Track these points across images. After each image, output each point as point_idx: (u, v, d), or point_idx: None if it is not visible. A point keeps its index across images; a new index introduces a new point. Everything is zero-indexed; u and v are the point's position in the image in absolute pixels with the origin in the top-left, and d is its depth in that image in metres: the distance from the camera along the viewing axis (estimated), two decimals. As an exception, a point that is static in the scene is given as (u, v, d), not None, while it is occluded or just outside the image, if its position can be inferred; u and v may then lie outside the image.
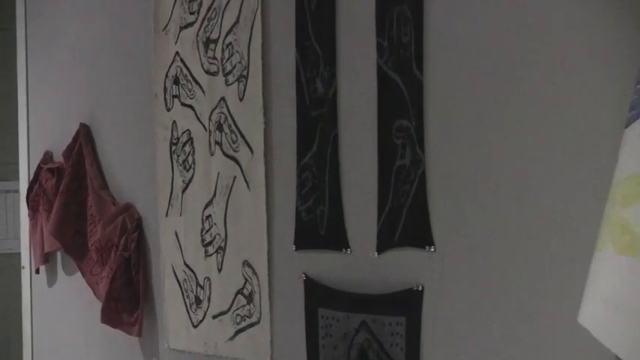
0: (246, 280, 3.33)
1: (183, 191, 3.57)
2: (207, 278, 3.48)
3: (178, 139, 3.58)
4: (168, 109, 3.62)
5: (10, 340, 4.57)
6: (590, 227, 2.27)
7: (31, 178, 4.20)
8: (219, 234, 3.43)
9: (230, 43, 3.37)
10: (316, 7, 3.08)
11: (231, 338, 3.39)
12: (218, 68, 3.43)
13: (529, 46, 2.53)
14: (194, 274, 3.52)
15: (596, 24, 2.38)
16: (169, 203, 3.63)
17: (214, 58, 3.43)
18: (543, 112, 2.49)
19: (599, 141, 2.32)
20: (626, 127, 2.13)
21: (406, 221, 2.83)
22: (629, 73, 2.19)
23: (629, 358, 2.18)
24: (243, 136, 3.34)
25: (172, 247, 3.61)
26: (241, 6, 3.33)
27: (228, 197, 3.39)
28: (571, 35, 2.43)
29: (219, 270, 3.43)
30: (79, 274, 3.96)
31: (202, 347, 3.50)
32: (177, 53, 3.58)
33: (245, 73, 3.32)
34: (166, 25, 3.62)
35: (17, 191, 4.32)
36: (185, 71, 3.55)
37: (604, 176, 2.20)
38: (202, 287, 3.49)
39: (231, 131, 3.38)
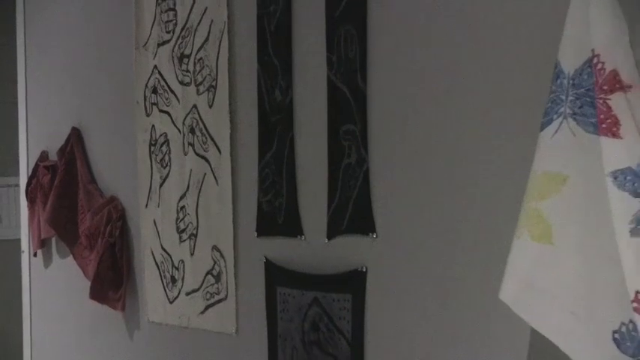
0: (214, 262, 3.28)
1: (161, 186, 3.52)
2: (182, 261, 3.43)
3: (156, 140, 3.53)
4: (148, 115, 3.57)
5: (12, 314, 4.46)
6: (510, 218, 2.23)
7: (30, 174, 4.16)
8: (191, 222, 3.38)
9: (201, 58, 3.32)
10: (275, 27, 3.03)
11: (202, 312, 3.34)
12: (191, 80, 3.37)
13: (457, 59, 2.48)
14: (170, 257, 3.47)
15: (521, 39, 2.33)
16: (148, 196, 3.59)
17: (187, 70, 3.38)
18: (470, 118, 2.48)
19: (519, 143, 2.28)
20: (541, 130, 2.16)
21: (352, 212, 2.78)
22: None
23: (540, 328, 2.20)
24: (212, 138, 3.29)
25: (151, 234, 3.56)
26: (210, 26, 3.28)
27: (200, 191, 3.35)
28: (497, 47, 2.38)
29: (192, 254, 3.38)
30: (71, 257, 3.92)
31: (177, 320, 3.45)
32: (155, 67, 3.53)
33: (214, 83, 3.27)
34: (146, 42, 3.57)
35: (17, 185, 4.28)
36: (162, 82, 3.49)
37: (522, 174, 2.17)
38: (177, 268, 3.44)
39: (202, 134, 3.32)
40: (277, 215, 3.03)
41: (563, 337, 2.21)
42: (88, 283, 3.71)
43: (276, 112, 3.02)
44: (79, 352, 3.91)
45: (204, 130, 3.31)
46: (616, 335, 2.11)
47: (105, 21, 3.76)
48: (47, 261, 4.08)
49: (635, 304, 2.04)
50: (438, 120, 2.54)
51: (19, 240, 4.37)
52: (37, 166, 4.09)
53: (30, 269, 4.22)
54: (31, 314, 4.26)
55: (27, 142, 4.23)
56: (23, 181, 4.22)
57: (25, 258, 4.26)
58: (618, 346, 2.11)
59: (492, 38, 2.40)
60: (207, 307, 3.30)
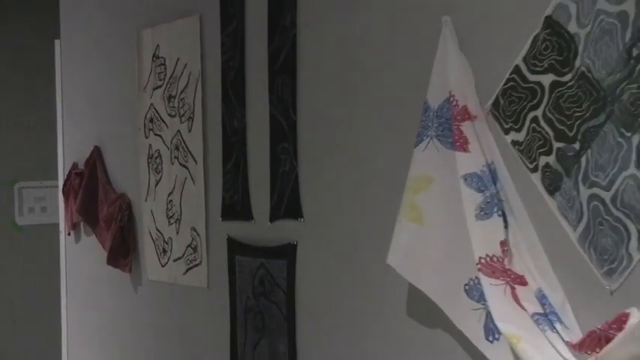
0: (192, 238, 3.26)
1: (155, 186, 3.48)
2: (170, 238, 3.39)
3: (152, 155, 3.49)
4: (146, 137, 3.53)
5: (52, 277, 4.40)
6: (397, 206, 2.24)
7: (65, 178, 4.10)
8: (176, 211, 3.35)
9: (182, 98, 3.29)
10: (233, 77, 3.02)
11: (184, 273, 3.31)
12: (176, 113, 3.34)
13: (359, 99, 2.48)
14: (162, 235, 3.44)
15: (404, 87, 2.35)
16: (147, 193, 3.54)
17: (173, 107, 3.35)
18: (369, 142, 2.48)
19: (403, 155, 2.26)
20: (415, 147, 2.24)
21: (286, 203, 2.78)
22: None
23: (416, 283, 2.24)
24: (190, 153, 3.27)
25: (149, 220, 3.53)
26: (189, 76, 3.25)
27: (182, 189, 3.32)
28: (388, 93, 2.40)
29: (177, 233, 3.35)
30: (93, 235, 3.86)
31: (167, 278, 3.43)
32: (151, 104, 3.49)
33: (192, 115, 3.24)
34: (145, 86, 3.53)
35: (57, 186, 4.21)
36: (156, 115, 3.46)
37: (405, 176, 2.21)
38: (167, 243, 3.41)
39: (184, 150, 3.30)
40: (235, 205, 3.01)
41: (431, 289, 2.22)
42: (105, 254, 3.67)
43: (234, 135, 3.01)
44: (100, 301, 3.88)
45: (185, 148, 3.28)
46: (466, 287, 2.14)
47: (118, 71, 3.71)
48: (77, 238, 4.03)
49: (478, 266, 2.06)
50: (347, 140, 2.54)
51: (58, 224, 4.31)
52: (70, 172, 4.04)
53: (65, 244, 4.16)
54: (66, 277, 4.21)
55: (63, 157, 4.17)
56: (60, 183, 4.16)
57: (62, 236, 4.22)
58: (467, 295, 2.14)
59: (385, 87, 2.42)
60: (187, 270, 3.28)
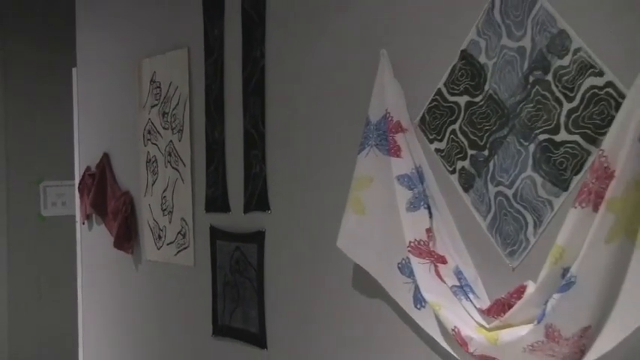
0: (182, 227, 3.20)
1: (152, 185, 3.41)
2: (164, 226, 3.32)
3: (150, 159, 3.43)
4: (145, 145, 3.46)
5: (68, 259, 4.35)
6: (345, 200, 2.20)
7: (80, 178, 4.03)
8: (169, 205, 3.29)
9: (174, 114, 3.23)
10: (214, 97, 2.97)
11: (176, 254, 3.25)
12: (169, 126, 3.28)
13: (319, 116, 2.47)
14: (158, 224, 3.37)
15: (352, 105, 2.33)
16: (146, 190, 3.47)
17: (167, 121, 3.29)
18: (323, 152, 2.46)
19: (350, 161, 2.25)
20: (358, 154, 2.25)
21: (257, 199, 2.74)
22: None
23: (360, 262, 2.22)
24: (180, 158, 3.20)
25: (147, 212, 3.45)
26: (179, 97, 3.20)
27: (174, 187, 3.25)
28: (339, 108, 2.38)
29: (170, 222, 3.28)
30: (103, 224, 3.80)
31: (162, 258, 3.36)
32: (149, 119, 3.43)
33: (181, 128, 3.19)
34: (144, 105, 3.46)
35: (74, 185, 4.15)
36: (153, 127, 3.40)
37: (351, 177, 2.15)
38: (162, 230, 3.34)
39: (175, 156, 3.24)
40: (216, 200, 2.96)
41: (371, 267, 2.20)
42: (112, 239, 3.61)
43: (215, 144, 2.96)
44: (108, 277, 3.81)
45: (176, 154, 3.22)
46: (399, 265, 2.14)
47: (123, 93, 3.67)
48: (90, 227, 3.96)
49: (408, 248, 2.05)
50: (305, 148, 2.52)
51: (74, 215, 4.26)
52: (84, 174, 3.97)
53: (80, 231, 4.10)
54: (81, 258, 4.14)
55: (79, 161, 4.12)
56: (77, 182, 4.10)
57: (78, 225, 4.16)
58: (400, 271, 2.15)
59: (334, 106, 2.40)
60: (178, 251, 3.22)
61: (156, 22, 3.38)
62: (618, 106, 1.64)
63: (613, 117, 1.64)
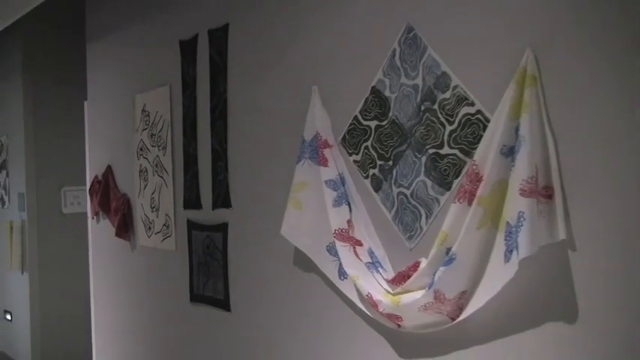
0: (166, 220, 3.07)
1: (144, 189, 3.27)
2: (153, 220, 3.19)
3: (142, 170, 3.28)
4: (138, 159, 3.32)
5: (81, 246, 4.24)
6: (286, 199, 2.13)
7: (90, 184, 3.85)
8: (157, 204, 3.15)
9: (160, 135, 3.11)
10: (190, 122, 2.86)
11: (162, 241, 3.11)
12: (155, 144, 3.15)
13: (265, 135, 2.41)
14: (148, 218, 3.23)
15: (288, 129, 2.28)
16: (139, 193, 3.33)
17: (154, 141, 3.16)
18: (270, 162, 2.38)
19: (290, 169, 2.18)
20: (296, 164, 2.14)
21: (222, 199, 2.65)
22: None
23: (298, 245, 2.15)
24: (164, 169, 3.08)
25: (140, 209, 3.31)
26: (163, 122, 3.07)
27: (160, 191, 3.12)
28: (279, 129, 2.33)
29: (157, 217, 3.15)
30: (107, 219, 3.64)
31: (151, 245, 3.22)
32: (141, 139, 3.29)
33: (165, 146, 3.06)
34: (137, 129, 3.32)
35: (84, 190, 4.00)
36: (144, 146, 3.26)
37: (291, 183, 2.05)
38: (151, 223, 3.20)
39: (160, 167, 3.11)
40: (192, 200, 2.85)
41: (307, 249, 2.16)
42: (114, 230, 3.47)
43: (190, 158, 2.85)
44: (112, 259, 3.64)
45: (161, 165, 3.09)
46: (327, 247, 2.09)
47: (122, 120, 3.53)
48: (97, 221, 3.79)
49: (334, 235, 2.01)
50: (256, 160, 2.44)
51: (86, 212, 4.10)
52: (93, 181, 3.80)
53: (91, 224, 3.94)
54: (92, 244, 3.98)
55: (89, 171, 3.96)
56: (87, 186, 3.93)
57: (89, 220, 3.99)
58: (328, 252, 2.11)
59: (278, 129, 2.34)
60: (163, 239, 3.09)
61: (146, 66, 3.27)
62: (485, 127, 1.64)
63: (481, 136, 1.64)
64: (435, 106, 1.77)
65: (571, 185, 1.48)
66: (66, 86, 4.92)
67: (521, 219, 1.46)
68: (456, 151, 1.72)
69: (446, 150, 1.74)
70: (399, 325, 1.81)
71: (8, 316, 5.37)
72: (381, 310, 1.83)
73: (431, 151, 1.78)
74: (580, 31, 1.46)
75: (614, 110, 1.41)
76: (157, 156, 3.15)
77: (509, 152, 1.54)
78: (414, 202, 1.83)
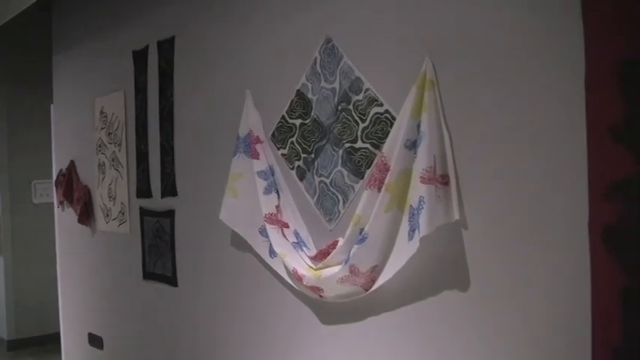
0: (122, 208, 2.83)
1: (102, 181, 3.01)
2: (110, 208, 2.94)
3: (100, 164, 3.02)
4: (97, 155, 3.05)
5: (49, 231, 3.94)
6: (224, 188, 1.97)
7: (56, 178, 3.54)
8: (113, 194, 2.91)
9: (116, 134, 2.86)
10: (142, 123, 2.64)
11: (118, 226, 2.87)
12: (112, 141, 2.90)
13: (210, 136, 2.24)
14: (106, 206, 2.98)
15: (226, 130, 2.12)
16: (98, 184, 3.06)
17: (111, 138, 2.91)
18: (212, 151, 2.20)
19: (227, 162, 2.02)
20: (232, 157, 1.97)
21: (169, 188, 2.46)
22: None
23: (236, 229, 1.98)
24: (120, 163, 2.83)
25: (99, 198, 3.05)
26: (118, 122, 2.83)
27: (116, 182, 2.88)
28: (220, 130, 2.17)
29: (114, 205, 2.90)
30: (71, 207, 3.34)
31: (109, 230, 2.97)
32: (100, 137, 3.02)
33: (120, 143, 2.82)
34: (97, 128, 3.05)
35: (51, 182, 3.68)
36: (103, 143, 3.00)
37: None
38: (109, 210, 2.95)
39: (116, 161, 2.87)
40: (144, 190, 2.63)
41: (242, 231, 2.04)
42: (77, 217, 3.19)
43: (142, 153, 2.63)
44: (75, 243, 3.35)
45: (117, 160, 2.85)
46: (260, 230, 1.98)
47: (83, 120, 3.25)
48: (63, 209, 3.50)
49: (264, 219, 1.88)
50: (199, 155, 2.27)
51: (52, 203, 3.79)
52: (58, 174, 3.50)
53: (57, 212, 3.64)
54: (58, 230, 3.67)
55: (55, 165, 3.64)
56: (53, 179, 3.62)
57: (55, 208, 3.68)
58: (260, 234, 2.01)
59: (218, 127, 2.18)
60: (120, 224, 2.85)
61: (104, 74, 3.02)
62: (392, 125, 1.55)
63: (389, 132, 1.55)
64: (350, 107, 1.66)
65: (464, 173, 1.42)
66: (37, 91, 4.58)
67: (422, 203, 1.39)
68: (368, 145, 1.62)
69: (359, 144, 1.64)
70: (321, 296, 1.71)
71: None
72: (305, 283, 1.71)
73: (347, 145, 1.67)
74: (470, 41, 1.40)
75: (500, 108, 1.36)
76: (114, 152, 2.91)
77: (412, 146, 1.46)
78: (332, 190, 1.72)
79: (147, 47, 2.61)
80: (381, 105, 1.58)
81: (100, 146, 3.06)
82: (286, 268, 1.82)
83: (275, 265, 1.88)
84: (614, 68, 0.95)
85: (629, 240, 0.98)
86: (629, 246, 0.97)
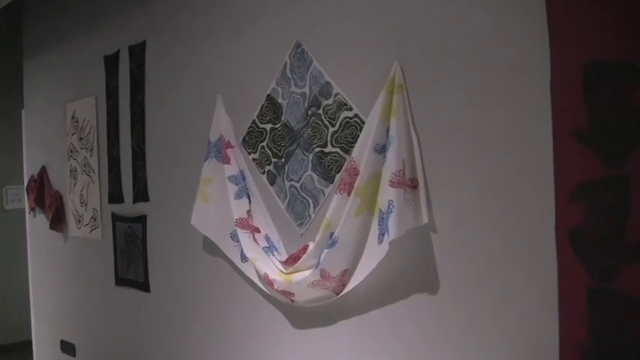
0: (94, 213, 2.72)
1: (74, 186, 2.89)
2: (82, 213, 2.82)
3: (72, 169, 2.89)
4: (69, 160, 2.92)
5: (20, 237, 3.77)
6: (195, 193, 1.90)
7: (27, 183, 3.39)
8: (85, 199, 2.79)
9: (87, 139, 2.75)
10: (113, 126, 2.54)
11: (90, 232, 2.75)
12: (84, 147, 2.78)
13: (182, 139, 2.15)
14: (78, 212, 2.86)
15: (199, 134, 2.04)
16: (70, 190, 2.93)
17: (83, 144, 2.79)
18: (183, 156, 2.12)
19: (199, 166, 1.94)
20: (204, 162, 1.89)
21: (141, 193, 2.37)
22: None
23: (207, 234, 1.91)
24: (92, 168, 2.72)
25: (71, 204, 2.92)
26: (90, 127, 2.72)
27: (88, 188, 2.76)
28: (192, 133, 2.08)
29: (86, 211, 2.78)
30: (43, 213, 3.21)
31: (81, 235, 2.85)
32: (71, 142, 2.90)
33: (92, 148, 2.71)
34: (68, 133, 2.92)
35: (22, 188, 3.52)
36: (74, 148, 2.87)
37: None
38: (81, 216, 2.83)
39: (88, 167, 2.75)
40: (115, 195, 2.52)
41: (213, 236, 1.97)
42: (49, 223, 3.06)
43: (114, 158, 2.53)
44: (47, 248, 3.21)
45: (89, 165, 2.73)
46: (231, 234, 1.92)
47: (55, 125, 3.12)
48: (34, 215, 3.37)
49: (235, 223, 1.82)
50: (170, 159, 2.19)
51: (24, 208, 3.63)
52: (30, 180, 3.35)
53: (28, 218, 3.49)
54: (29, 235, 3.52)
55: (27, 171, 3.49)
56: (25, 185, 3.47)
57: (26, 214, 3.53)
58: (231, 238, 1.93)
59: (189, 131, 2.10)
60: (92, 230, 2.73)
61: (75, 78, 2.91)
62: (361, 129, 1.51)
63: (358, 136, 1.51)
64: (320, 111, 1.61)
65: (433, 177, 1.38)
66: (6, 95, 4.39)
67: (391, 206, 1.34)
68: (338, 150, 1.57)
69: (329, 148, 1.59)
70: (292, 300, 1.65)
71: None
72: (276, 287, 1.65)
73: (317, 149, 1.62)
74: (438, 45, 1.37)
75: (467, 112, 1.33)
76: (85, 157, 2.79)
77: (381, 150, 1.42)
78: (303, 194, 1.67)
79: (118, 52, 2.51)
80: (351, 109, 1.54)
81: (71, 151, 2.93)
82: (257, 272, 1.75)
83: (246, 269, 1.81)
84: (578, 70, 0.92)
85: (594, 241, 0.95)
86: (595, 247, 0.95)
